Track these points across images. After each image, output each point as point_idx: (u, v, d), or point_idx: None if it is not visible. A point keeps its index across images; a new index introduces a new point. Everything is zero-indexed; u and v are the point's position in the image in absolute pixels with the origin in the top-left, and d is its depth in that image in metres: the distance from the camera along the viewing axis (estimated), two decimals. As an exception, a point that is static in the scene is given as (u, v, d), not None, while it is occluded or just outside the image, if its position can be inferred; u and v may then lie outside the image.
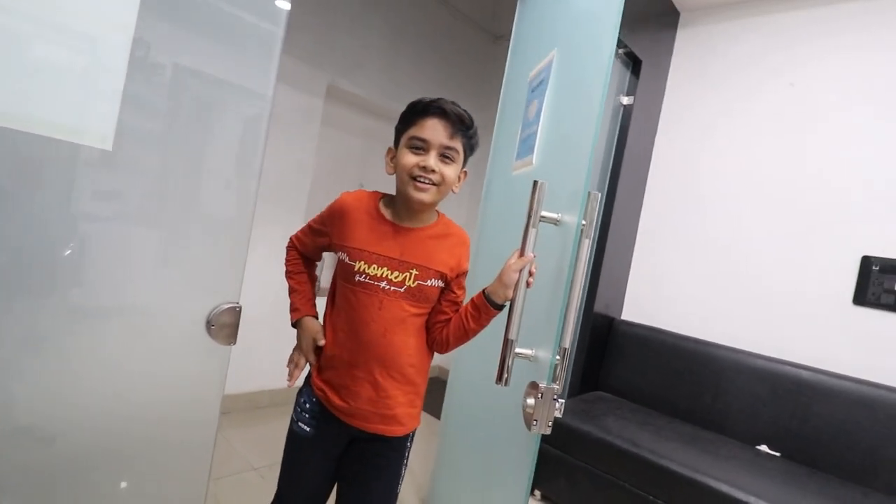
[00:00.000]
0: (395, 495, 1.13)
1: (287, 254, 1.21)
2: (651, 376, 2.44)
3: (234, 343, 0.99)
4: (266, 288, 2.65)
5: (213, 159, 0.93)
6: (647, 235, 2.69)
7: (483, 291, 1.01)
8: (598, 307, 2.52)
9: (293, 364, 1.11)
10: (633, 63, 2.46)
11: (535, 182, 0.83)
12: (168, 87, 0.85)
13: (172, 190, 0.89)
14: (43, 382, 0.79)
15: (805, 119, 2.22)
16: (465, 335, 1.05)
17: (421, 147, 0.98)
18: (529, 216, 0.84)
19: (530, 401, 0.81)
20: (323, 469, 1.10)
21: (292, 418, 1.11)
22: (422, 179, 0.97)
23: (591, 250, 2.45)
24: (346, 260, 1.03)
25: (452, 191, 1.04)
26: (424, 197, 0.98)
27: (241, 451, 2.15)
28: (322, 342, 1.08)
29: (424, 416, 3.00)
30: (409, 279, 1.01)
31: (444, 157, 0.99)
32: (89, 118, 0.76)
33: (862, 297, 2.01)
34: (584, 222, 0.82)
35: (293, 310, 1.14)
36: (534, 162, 1.20)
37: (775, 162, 2.28)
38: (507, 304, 0.97)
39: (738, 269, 2.34)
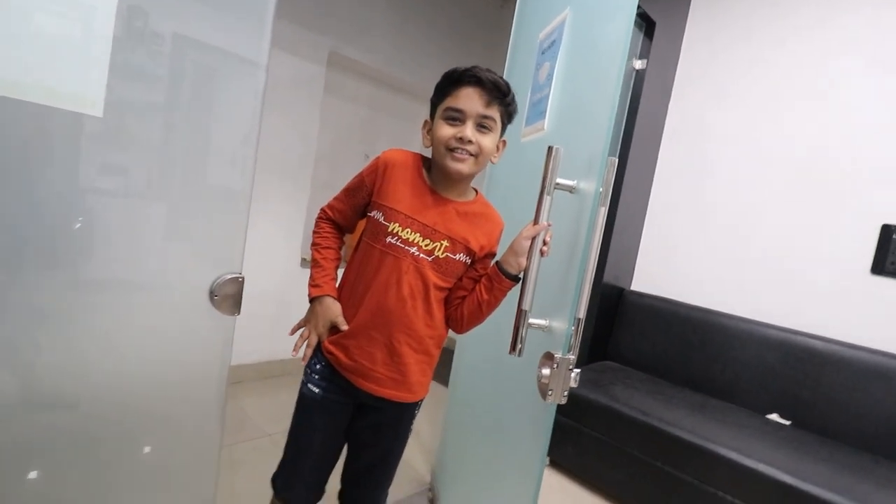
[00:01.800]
0: (399, 456, 1.15)
1: (317, 225, 1.16)
2: (661, 346, 2.43)
3: (238, 313, 0.98)
4: (273, 260, 2.66)
5: (209, 129, 0.91)
6: (659, 204, 2.64)
7: (496, 262, 1.00)
8: (608, 278, 2.49)
9: (303, 340, 1.09)
10: (646, 25, 2.36)
11: (550, 148, 0.80)
12: (157, 53, 0.82)
13: (168, 160, 0.87)
14: (57, 354, 0.80)
15: (824, 84, 2.13)
16: (479, 310, 1.03)
17: (457, 118, 0.95)
18: (544, 184, 0.81)
19: (545, 371, 0.80)
20: (330, 433, 1.11)
21: (302, 381, 1.11)
22: (459, 151, 0.95)
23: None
24: (381, 220, 1.01)
25: (491, 161, 1.02)
26: (462, 168, 0.96)
27: (255, 419, 2.19)
28: (345, 327, 1.05)
29: (432, 384, 3.03)
30: (439, 250, 1.00)
31: (481, 126, 0.96)
32: (77, 83, 0.73)
33: (881, 266, 1.96)
34: (601, 189, 0.79)
35: (314, 285, 1.09)
36: (545, 127, 1.15)
37: (792, 128, 2.20)
38: (521, 275, 0.95)
39: (751, 238, 2.29)
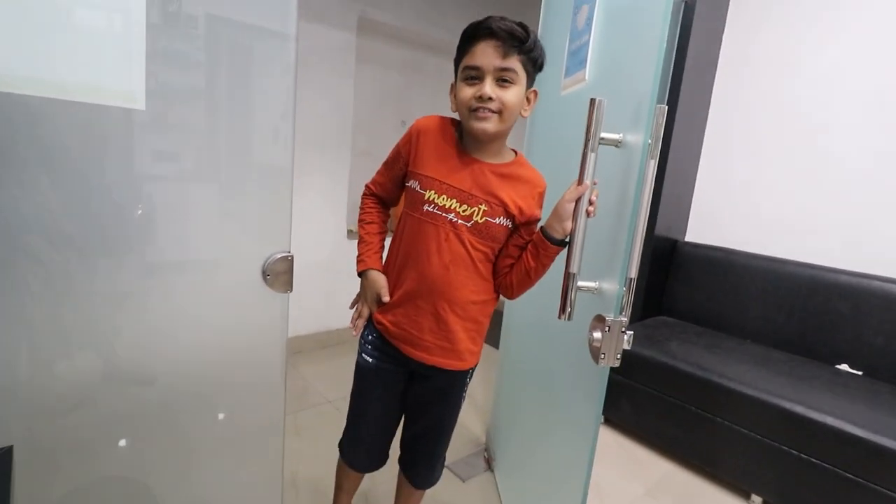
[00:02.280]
0: (454, 422, 1.18)
1: (362, 201, 1.17)
2: (718, 298, 2.33)
3: (291, 290, 1.01)
4: (321, 232, 2.72)
5: (243, 107, 0.91)
6: (714, 150, 2.47)
7: (541, 227, 0.97)
8: (660, 230, 2.39)
9: (357, 314, 1.13)
10: (695, -50, 2.15)
11: (592, 100, 0.75)
12: (191, 37, 0.82)
13: (211, 142, 0.89)
14: (133, 334, 0.86)
15: (911, -7, 1.88)
16: (527, 276, 1.01)
17: (475, 76, 0.91)
18: (587, 139, 0.76)
19: (597, 334, 0.78)
20: (387, 399, 1.15)
21: (358, 351, 1.15)
22: (481, 110, 0.91)
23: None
24: (417, 188, 1.00)
25: (522, 115, 0.97)
26: (487, 126, 0.92)
27: (316, 386, 2.31)
28: (386, 298, 1.07)
29: (487, 348, 3.07)
30: (478, 214, 0.98)
31: (502, 80, 0.91)
32: (119, 79, 0.75)
33: (971, 199, 1.77)
34: (650, 141, 0.74)
35: (359, 260, 1.13)
36: (587, 77, 1.08)
37: (868, 57, 1.97)
38: (567, 239, 0.92)
39: (822, 179, 2.11)
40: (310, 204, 2.56)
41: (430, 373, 1.09)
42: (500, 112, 0.92)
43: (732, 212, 2.41)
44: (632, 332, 0.78)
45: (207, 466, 1.00)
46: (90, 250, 0.79)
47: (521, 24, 0.90)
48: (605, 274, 0.91)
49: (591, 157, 0.77)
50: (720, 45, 2.42)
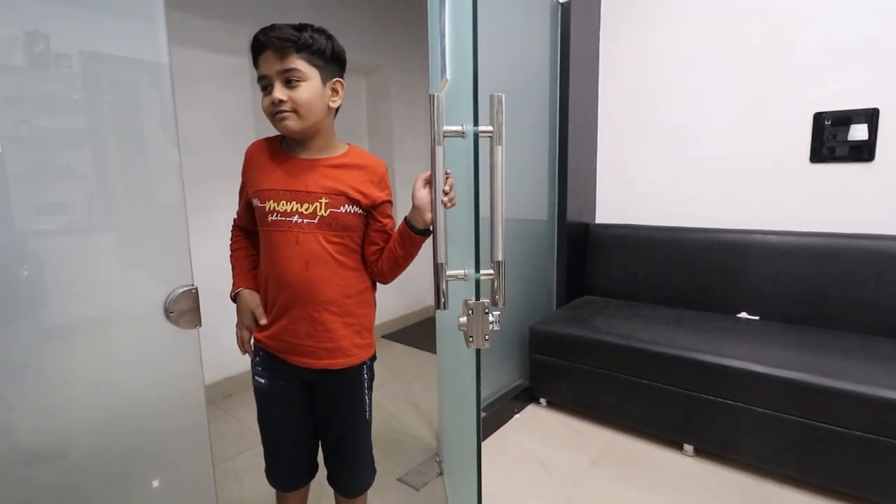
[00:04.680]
0: (366, 422, 1.16)
1: (230, 234, 1.22)
2: (632, 271, 2.51)
3: (199, 325, 0.97)
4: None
5: (122, 141, 0.86)
6: (609, 136, 2.67)
7: (405, 218, 1.01)
8: (571, 216, 2.53)
9: (241, 341, 1.13)
10: (561, -45, 2.32)
11: (431, 96, 0.78)
12: (46, 73, 0.77)
13: (94, 187, 0.84)
14: (31, 408, 0.79)
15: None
16: (396, 264, 1.06)
17: (266, 85, 0.97)
18: (433, 134, 0.80)
19: (463, 319, 0.80)
20: (291, 414, 1.14)
21: (251, 375, 1.15)
22: (279, 113, 0.96)
23: (555, 158, 2.41)
24: (259, 204, 1.04)
25: (330, 105, 1.02)
26: (290, 124, 0.97)
27: (253, 426, 2.18)
28: (263, 321, 1.09)
29: (422, 354, 3.07)
30: (321, 208, 1.00)
31: (289, 81, 0.95)
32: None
33: (818, 153, 2.04)
34: (489, 128, 0.77)
35: (232, 285, 1.15)
36: (449, 78, 1.13)
37: (722, 35, 2.23)
38: (430, 228, 0.97)
39: (698, 151, 2.35)
40: (222, 237, 2.44)
41: (324, 377, 1.09)
42: (295, 111, 0.96)
43: (632, 191, 2.61)
44: (498, 313, 0.80)
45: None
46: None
47: (299, 26, 0.96)
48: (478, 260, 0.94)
49: (438, 150, 0.80)
50: (599, 41, 2.62)
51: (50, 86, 0.77)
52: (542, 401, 2.28)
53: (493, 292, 0.80)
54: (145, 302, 0.89)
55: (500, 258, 0.79)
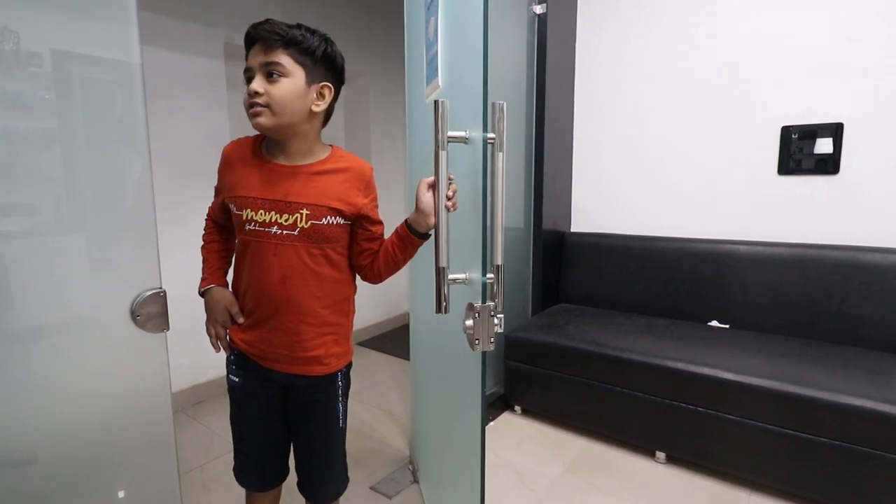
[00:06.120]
0: (339, 430, 1.14)
1: (204, 224, 1.17)
2: (606, 279, 2.54)
3: (167, 329, 0.94)
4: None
5: (91, 142, 0.84)
6: (583, 145, 2.71)
7: (406, 221, 0.99)
8: (547, 224, 2.56)
9: (214, 337, 1.09)
10: (540, -33, 2.36)
11: (436, 102, 0.79)
12: (15, 72, 0.75)
13: (60, 188, 0.81)
14: None
15: (714, 4, 2.22)
16: (395, 265, 1.04)
17: (249, 77, 0.95)
18: (437, 139, 0.81)
19: (469, 322, 0.81)
20: (263, 414, 1.11)
21: (226, 373, 1.12)
22: (253, 106, 0.93)
23: (532, 167, 2.44)
24: (235, 210, 1.00)
25: (313, 109, 0.97)
26: (261, 121, 0.93)
27: (223, 434, 2.14)
28: (241, 320, 1.06)
29: (397, 361, 3.05)
30: (302, 220, 0.96)
31: (270, 75, 0.93)
32: None
33: (786, 166, 2.11)
34: (492, 135, 0.79)
35: (201, 279, 1.11)
36: (440, 84, 1.14)
37: (692, 50, 2.29)
38: (432, 231, 0.96)
39: (669, 162, 2.40)
40: (194, 241, 2.40)
41: (298, 382, 1.07)
42: (269, 105, 0.92)
43: (605, 200, 2.65)
44: (502, 316, 0.81)
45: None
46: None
47: (293, 24, 0.94)
48: (474, 264, 0.95)
49: (442, 154, 0.81)
50: (574, 52, 2.67)
51: (19, 84, 0.75)
52: (517, 408, 2.28)
53: (493, 295, 0.81)
54: (112, 305, 0.87)
55: (499, 262, 0.79)
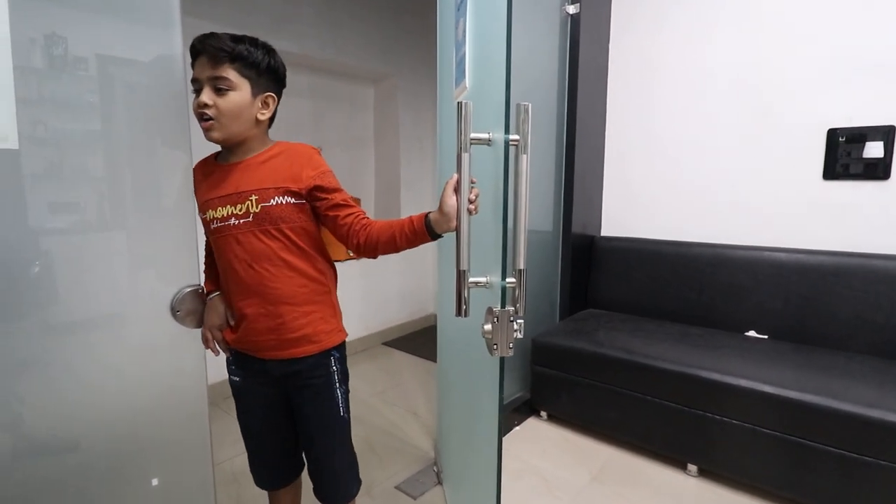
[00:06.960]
0: (340, 419, 1.14)
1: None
2: (636, 285, 2.48)
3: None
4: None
5: (134, 144, 0.87)
6: (615, 148, 2.65)
7: (427, 216, 0.99)
8: (577, 228, 2.52)
9: (211, 342, 1.11)
10: (573, -33, 2.33)
11: (459, 104, 0.78)
12: (63, 76, 0.79)
13: (106, 186, 0.85)
14: (42, 402, 0.80)
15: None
16: (395, 248, 1.05)
17: (197, 88, 0.99)
18: (459, 141, 0.80)
19: (488, 326, 0.80)
20: (266, 411, 1.15)
21: (227, 374, 1.17)
22: (202, 118, 0.99)
23: (562, 170, 2.41)
24: (202, 216, 1.07)
25: (258, 118, 1.03)
26: (213, 135, 1.00)
27: (252, 429, 2.18)
28: (232, 322, 1.11)
29: (422, 363, 3.05)
30: (253, 205, 1.02)
31: (218, 89, 0.98)
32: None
33: (831, 170, 2.01)
34: (515, 137, 0.77)
35: (205, 289, 1.17)
36: (468, 86, 1.13)
37: (732, 51, 2.21)
38: (444, 233, 0.98)
39: (707, 167, 2.33)
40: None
41: (294, 367, 1.08)
42: (217, 118, 0.98)
43: (637, 204, 2.58)
44: (522, 321, 0.79)
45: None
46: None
47: (238, 37, 0.98)
48: (496, 268, 0.94)
49: (465, 157, 0.80)
50: (608, 53, 2.62)
51: (66, 88, 0.78)
52: (543, 413, 2.25)
53: (515, 300, 0.79)
54: (152, 300, 0.90)
55: (521, 266, 0.78)
